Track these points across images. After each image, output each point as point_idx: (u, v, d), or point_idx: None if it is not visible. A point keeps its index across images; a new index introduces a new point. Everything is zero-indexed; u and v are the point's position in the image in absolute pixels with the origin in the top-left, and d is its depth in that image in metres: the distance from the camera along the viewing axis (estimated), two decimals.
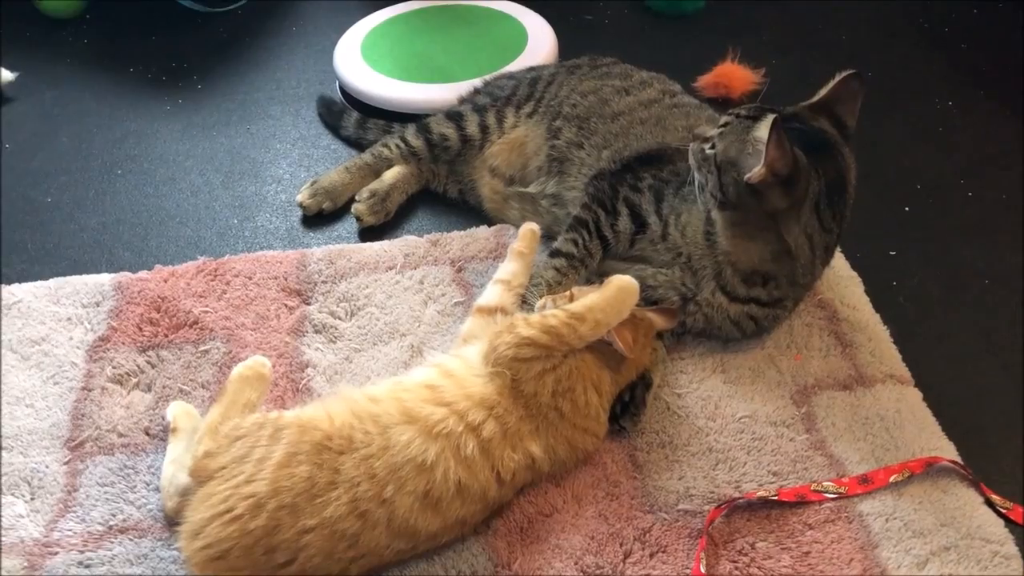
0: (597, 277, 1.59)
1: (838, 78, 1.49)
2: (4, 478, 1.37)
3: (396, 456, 1.20)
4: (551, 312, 1.34)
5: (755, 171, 1.36)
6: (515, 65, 2.11)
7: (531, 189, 1.80)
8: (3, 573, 1.25)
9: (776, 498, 1.33)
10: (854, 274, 1.70)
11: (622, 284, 1.38)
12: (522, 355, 1.30)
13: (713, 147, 1.45)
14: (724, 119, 1.49)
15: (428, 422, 1.23)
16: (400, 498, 1.18)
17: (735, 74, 2.22)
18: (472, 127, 1.88)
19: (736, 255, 1.48)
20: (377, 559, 1.20)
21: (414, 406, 1.25)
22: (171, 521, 1.29)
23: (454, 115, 1.91)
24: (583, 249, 1.59)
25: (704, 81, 2.22)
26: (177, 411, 1.41)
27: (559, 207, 1.75)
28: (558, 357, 1.32)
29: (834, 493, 1.34)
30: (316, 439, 1.20)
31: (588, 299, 1.35)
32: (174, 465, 1.32)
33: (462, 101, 1.98)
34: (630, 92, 1.80)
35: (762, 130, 1.37)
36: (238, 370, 1.37)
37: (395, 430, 1.22)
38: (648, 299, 1.54)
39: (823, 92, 1.50)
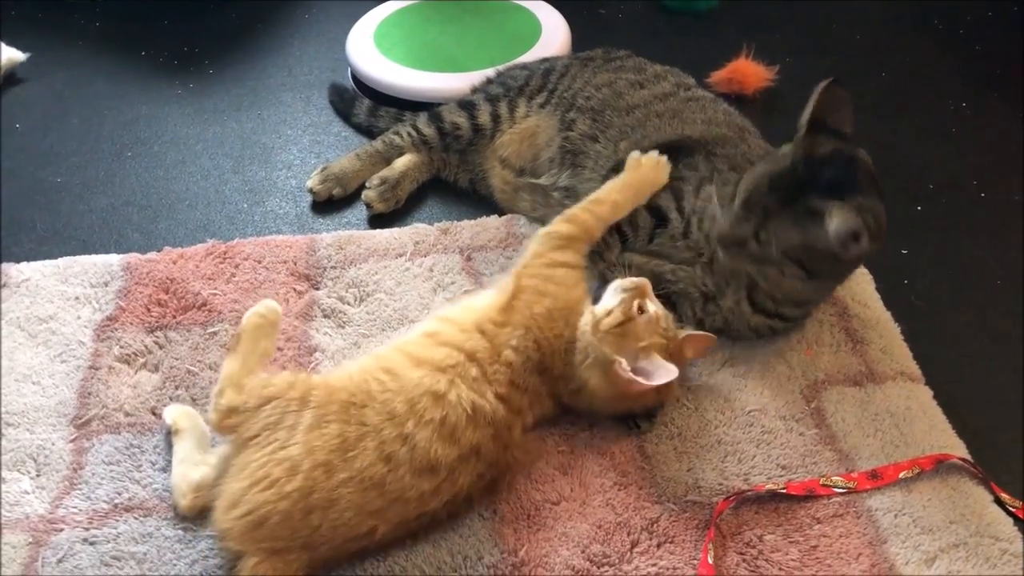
0: (618, 269, 1.57)
1: (818, 89, 1.41)
2: (10, 454, 1.36)
3: (412, 392, 1.24)
4: (576, 206, 1.50)
5: (854, 251, 1.32)
6: (528, 57, 2.10)
7: (542, 181, 1.79)
8: (8, 548, 1.25)
9: (785, 491, 1.32)
10: (865, 271, 1.69)
11: (650, 163, 1.52)
12: (542, 248, 1.44)
13: (760, 241, 1.39)
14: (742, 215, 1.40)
15: (434, 360, 1.28)
16: (420, 431, 1.22)
17: (748, 71, 2.21)
18: (484, 117, 1.87)
19: (777, 290, 1.46)
20: (403, 509, 1.21)
21: (419, 351, 1.30)
22: (184, 518, 1.28)
23: (466, 104, 1.91)
24: (601, 243, 1.57)
25: (717, 77, 2.21)
26: (176, 413, 1.39)
27: (572, 199, 1.73)
28: (575, 259, 1.43)
29: (843, 488, 1.34)
30: (343, 398, 1.23)
31: (610, 183, 1.50)
32: (184, 464, 1.31)
33: (475, 91, 1.97)
34: (644, 85, 1.79)
35: (839, 220, 1.30)
36: (250, 318, 1.34)
37: (406, 372, 1.27)
38: (667, 293, 1.52)
39: (809, 108, 1.40)
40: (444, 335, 1.33)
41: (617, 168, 1.63)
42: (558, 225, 1.45)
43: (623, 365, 1.30)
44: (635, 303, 1.35)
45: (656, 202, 1.56)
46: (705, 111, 1.72)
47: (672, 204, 1.56)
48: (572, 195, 1.73)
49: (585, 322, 1.36)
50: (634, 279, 1.40)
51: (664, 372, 1.30)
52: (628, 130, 1.70)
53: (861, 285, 1.66)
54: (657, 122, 1.70)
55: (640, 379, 1.29)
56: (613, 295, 1.38)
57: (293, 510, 1.16)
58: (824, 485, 1.34)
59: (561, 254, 1.42)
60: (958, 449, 1.39)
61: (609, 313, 1.34)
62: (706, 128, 1.64)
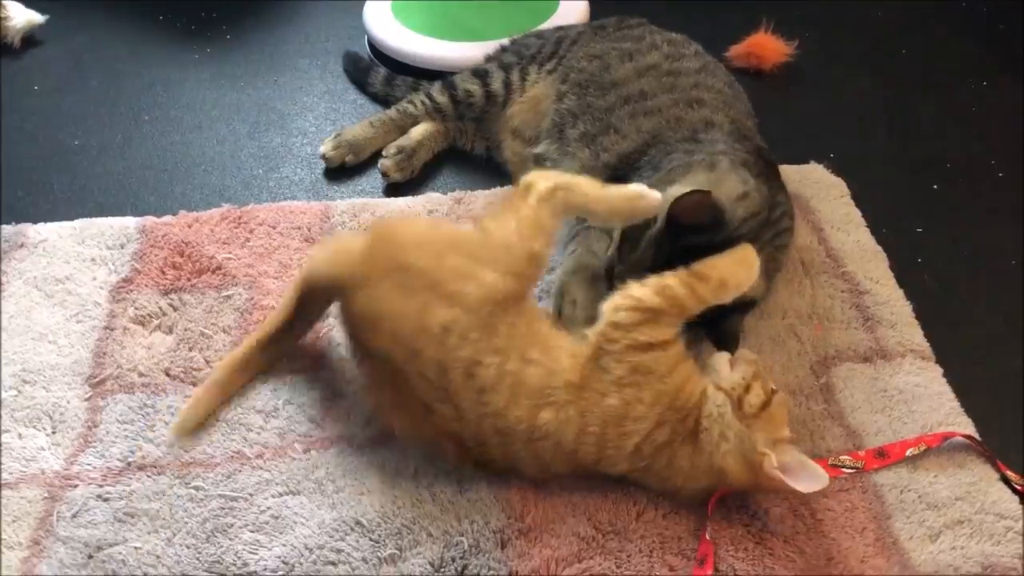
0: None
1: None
2: (27, 411, 1.39)
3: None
4: (671, 274, 1.21)
5: None
6: (546, 27, 2.08)
7: (538, 150, 1.77)
8: (24, 502, 1.27)
9: None
10: (879, 249, 1.69)
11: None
12: (624, 320, 1.19)
13: None
14: None
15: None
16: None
17: (767, 45, 2.20)
18: (497, 84, 1.86)
19: None
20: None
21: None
22: None
23: (480, 72, 1.90)
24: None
25: (736, 51, 2.20)
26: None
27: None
28: (666, 335, 1.20)
29: (851, 468, 1.34)
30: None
31: (713, 258, 1.24)
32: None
33: (489, 59, 1.96)
34: (634, 56, 1.71)
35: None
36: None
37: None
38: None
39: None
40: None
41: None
42: (647, 296, 1.19)
43: (772, 462, 1.14)
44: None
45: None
46: (674, 90, 1.63)
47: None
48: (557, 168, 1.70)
49: (719, 403, 1.20)
50: (746, 352, 1.28)
51: (814, 479, 1.14)
52: (599, 119, 1.64)
53: (874, 263, 1.66)
54: (621, 113, 1.62)
55: (788, 480, 1.14)
56: (724, 364, 1.25)
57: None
58: (832, 465, 1.33)
59: (650, 330, 1.19)
60: (966, 428, 1.40)
61: (747, 389, 1.20)
62: (660, 123, 1.58)
